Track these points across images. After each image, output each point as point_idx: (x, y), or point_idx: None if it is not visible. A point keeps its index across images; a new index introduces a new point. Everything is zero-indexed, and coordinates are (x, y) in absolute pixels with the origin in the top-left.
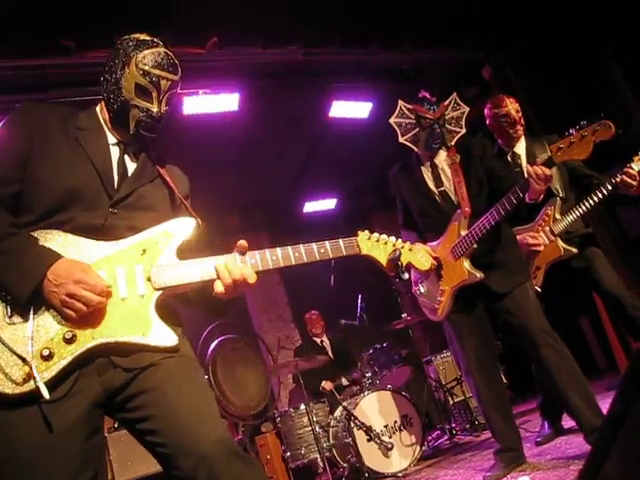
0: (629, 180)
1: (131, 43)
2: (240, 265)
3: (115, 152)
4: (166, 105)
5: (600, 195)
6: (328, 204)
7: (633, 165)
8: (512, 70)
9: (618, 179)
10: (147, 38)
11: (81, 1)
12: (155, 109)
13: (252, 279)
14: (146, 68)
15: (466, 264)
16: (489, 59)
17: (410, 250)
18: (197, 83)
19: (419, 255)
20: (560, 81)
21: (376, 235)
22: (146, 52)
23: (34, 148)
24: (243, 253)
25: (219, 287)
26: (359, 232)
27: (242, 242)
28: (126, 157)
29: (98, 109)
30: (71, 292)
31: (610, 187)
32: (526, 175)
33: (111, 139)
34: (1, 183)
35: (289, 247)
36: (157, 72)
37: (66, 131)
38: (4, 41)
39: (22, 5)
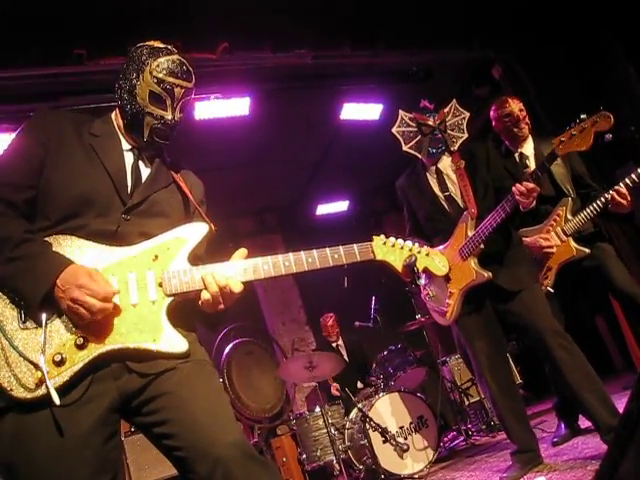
0: (618, 199)
1: (145, 51)
2: (228, 274)
3: (129, 158)
4: (180, 112)
5: (596, 208)
6: (340, 206)
7: (621, 183)
8: (522, 69)
9: (609, 196)
10: (161, 45)
11: (93, 10)
12: (169, 117)
13: (237, 288)
14: (160, 76)
15: (474, 264)
16: (499, 58)
17: (427, 255)
18: (208, 88)
19: (436, 260)
20: (571, 79)
21: (392, 240)
22: (160, 60)
23: (49, 154)
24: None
25: (205, 296)
26: (374, 237)
27: (242, 252)
28: (140, 163)
29: (113, 116)
30: (74, 297)
31: (603, 201)
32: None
33: (125, 145)
34: (16, 188)
35: (302, 252)
36: (171, 80)
37: (81, 138)
38: (18, 51)
39: (35, 15)
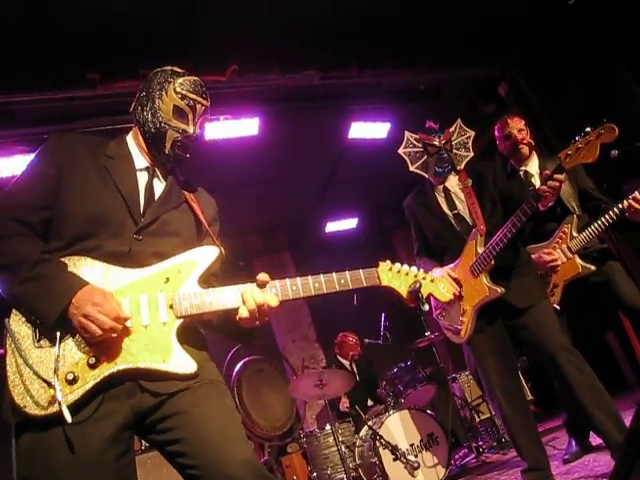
0: (636, 206)
1: (168, 72)
2: (263, 291)
3: (142, 178)
4: (199, 128)
5: (608, 219)
6: (349, 224)
7: (637, 192)
8: (528, 86)
9: (625, 205)
10: (180, 70)
11: (105, 36)
12: (191, 130)
13: (274, 302)
14: (184, 92)
15: (486, 280)
16: (505, 76)
17: (432, 281)
18: (218, 109)
19: (441, 286)
20: (576, 96)
21: (397, 266)
22: (183, 79)
23: (63, 176)
24: (262, 287)
25: (244, 313)
26: (380, 262)
27: (263, 277)
28: (154, 182)
29: (129, 136)
30: (87, 313)
31: (617, 212)
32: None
33: (139, 165)
34: (31, 210)
35: (309, 277)
36: (194, 96)
37: (95, 160)
38: (33, 76)
39: (49, 42)
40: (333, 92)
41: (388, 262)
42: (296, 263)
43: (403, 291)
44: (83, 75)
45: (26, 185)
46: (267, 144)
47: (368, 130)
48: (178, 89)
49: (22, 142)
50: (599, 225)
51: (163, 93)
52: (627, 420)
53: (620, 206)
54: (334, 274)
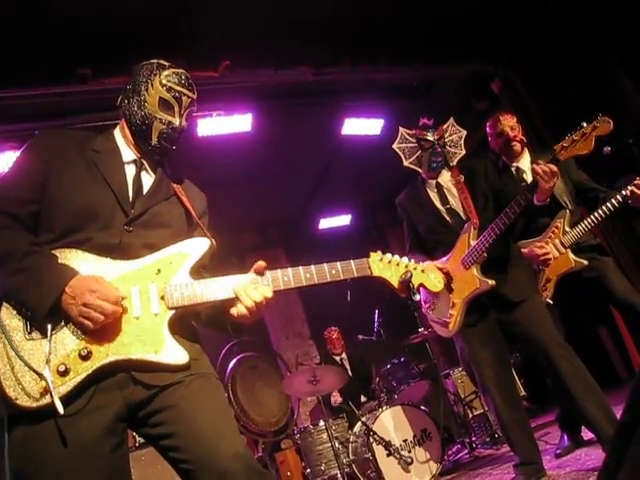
0: (638, 192)
1: (154, 64)
2: (255, 286)
3: (131, 170)
4: (185, 120)
5: (610, 207)
6: (343, 220)
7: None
8: (521, 82)
9: (628, 191)
10: (166, 63)
11: (97, 31)
12: (177, 122)
13: (269, 293)
14: (169, 84)
15: (476, 272)
16: (498, 72)
17: (422, 271)
18: (211, 105)
19: (432, 276)
20: (569, 92)
21: (388, 256)
22: (169, 71)
23: (51, 171)
24: (260, 274)
25: (242, 310)
26: (371, 253)
27: (260, 263)
28: (142, 175)
29: (117, 130)
30: (87, 302)
31: (620, 199)
32: (531, 176)
33: (126, 158)
34: (20, 203)
35: (300, 267)
36: (179, 88)
37: (83, 154)
38: (24, 71)
39: (40, 37)
40: (326, 88)
41: (379, 253)
42: (290, 259)
43: (394, 281)
44: (75, 70)
45: (14, 179)
46: (260, 140)
47: (361, 126)
48: (164, 81)
49: (13, 138)
50: (601, 213)
51: (149, 85)
52: (619, 415)
53: (623, 193)
54: (325, 264)
